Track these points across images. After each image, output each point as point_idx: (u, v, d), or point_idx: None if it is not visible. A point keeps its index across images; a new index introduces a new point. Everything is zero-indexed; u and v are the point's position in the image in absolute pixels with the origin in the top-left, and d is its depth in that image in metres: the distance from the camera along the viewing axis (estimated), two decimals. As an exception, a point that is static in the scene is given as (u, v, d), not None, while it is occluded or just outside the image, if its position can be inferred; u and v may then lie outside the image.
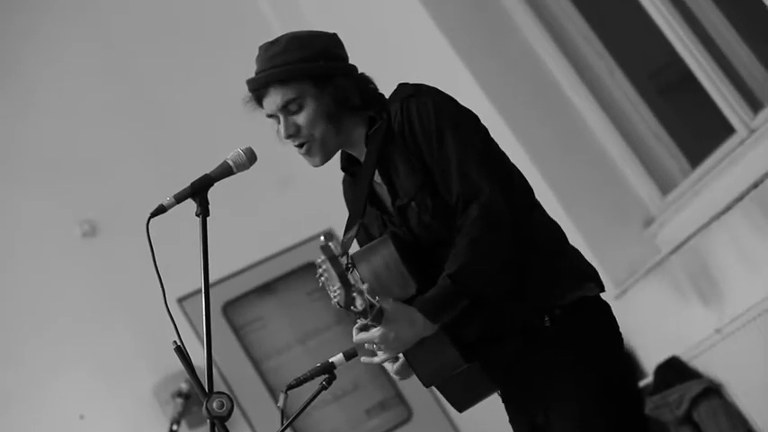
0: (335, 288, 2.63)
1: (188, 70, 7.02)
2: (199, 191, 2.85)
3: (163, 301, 2.88)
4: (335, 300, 2.67)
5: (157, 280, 2.90)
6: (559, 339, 2.83)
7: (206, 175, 2.88)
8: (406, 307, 2.76)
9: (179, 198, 2.85)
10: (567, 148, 5.79)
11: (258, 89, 2.94)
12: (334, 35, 3.01)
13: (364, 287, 2.67)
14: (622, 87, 5.78)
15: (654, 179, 5.69)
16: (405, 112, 2.88)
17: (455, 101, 2.93)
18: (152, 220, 2.85)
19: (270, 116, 2.96)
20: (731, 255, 5.07)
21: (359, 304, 2.65)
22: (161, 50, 7.03)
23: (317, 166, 2.99)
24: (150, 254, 2.86)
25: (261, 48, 2.96)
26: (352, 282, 2.61)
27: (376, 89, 3.01)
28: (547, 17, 5.90)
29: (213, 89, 6.89)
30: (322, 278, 2.70)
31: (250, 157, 2.92)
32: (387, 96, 3.01)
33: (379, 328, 2.76)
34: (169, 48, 7.04)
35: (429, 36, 5.94)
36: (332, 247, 2.60)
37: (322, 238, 2.61)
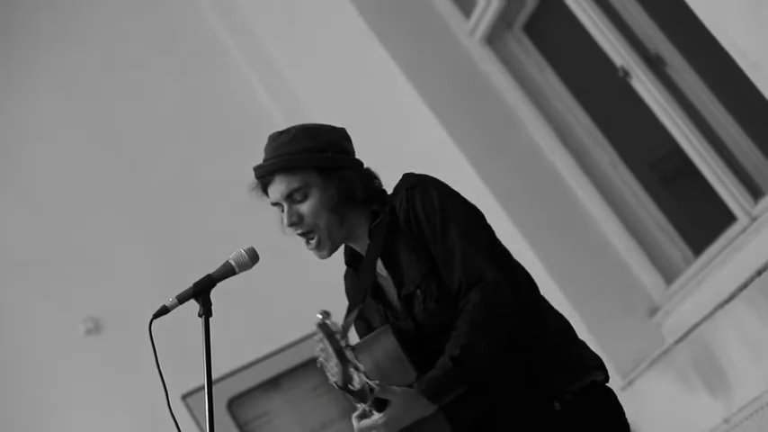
0: (332, 365, 2.64)
1: (191, 168, 7.06)
2: (201, 291, 2.86)
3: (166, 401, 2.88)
4: (333, 379, 2.66)
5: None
6: (570, 424, 2.83)
7: (208, 275, 2.89)
8: (406, 391, 2.76)
9: (181, 299, 2.86)
10: (570, 239, 5.80)
11: (264, 176, 2.96)
12: (343, 129, 3.03)
13: (362, 367, 2.66)
14: (623, 177, 5.80)
15: (657, 268, 5.69)
16: (410, 201, 2.90)
17: (459, 194, 2.96)
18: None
19: (274, 204, 2.97)
20: (737, 343, 5.04)
21: (356, 383, 2.65)
22: (165, 150, 7.08)
23: (323, 258, 2.99)
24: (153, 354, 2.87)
25: (270, 137, 2.99)
26: (349, 358, 2.61)
27: (380, 184, 3.03)
28: (548, 110, 5.95)
29: (216, 187, 6.94)
30: (320, 358, 2.70)
31: (252, 257, 2.93)
32: (391, 190, 3.03)
33: (381, 415, 2.75)
34: (174, 147, 7.09)
35: (431, 130, 5.99)
36: (329, 323, 2.61)
37: (318, 315, 2.61)
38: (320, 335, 2.64)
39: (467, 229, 2.87)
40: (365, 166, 3.03)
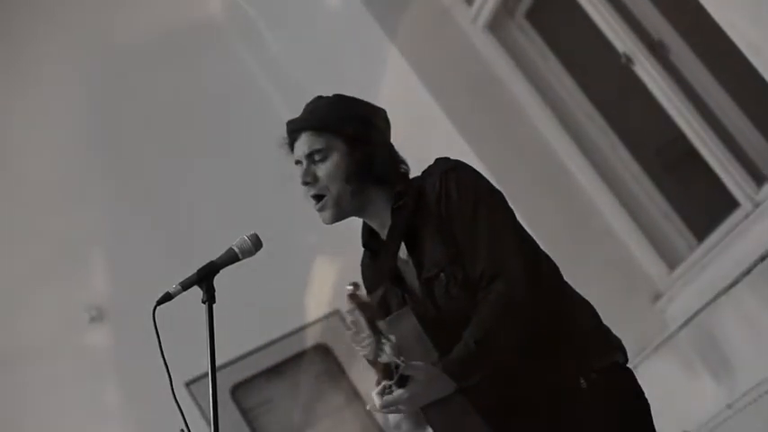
0: (364, 336, 2.64)
1: (193, 155, 7.06)
2: (204, 278, 2.85)
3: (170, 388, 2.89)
4: (363, 352, 2.67)
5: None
6: (595, 401, 2.87)
7: (211, 262, 2.88)
8: (429, 367, 2.77)
9: (185, 285, 2.85)
10: (574, 225, 5.80)
11: (293, 131, 2.99)
12: (382, 110, 3.06)
13: (393, 338, 2.67)
14: (626, 164, 5.80)
15: (660, 254, 5.69)
16: (444, 183, 2.91)
17: (490, 183, 2.97)
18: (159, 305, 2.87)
19: (297, 162, 3.00)
20: (740, 328, 5.05)
21: (387, 355, 2.65)
22: (169, 141, 7.08)
23: (326, 223, 3.00)
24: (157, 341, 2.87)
25: (313, 98, 3.04)
26: (381, 329, 2.62)
27: (406, 170, 3.04)
28: (550, 96, 5.94)
29: (219, 175, 6.94)
30: (350, 331, 2.70)
31: (255, 244, 2.92)
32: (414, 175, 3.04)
33: (404, 390, 2.76)
34: (177, 138, 7.09)
35: (433, 116, 5.99)
36: (360, 295, 2.62)
37: (349, 286, 2.62)
38: (351, 306, 2.64)
39: (497, 218, 2.89)
40: (396, 150, 3.04)
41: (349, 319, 2.68)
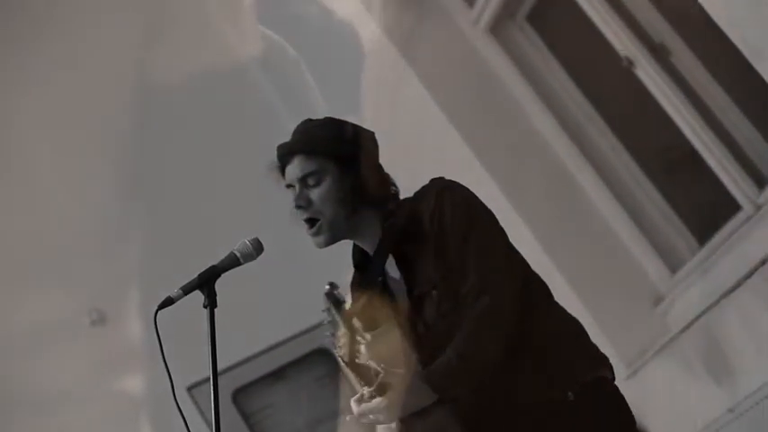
0: (340, 335, 2.66)
1: (195, 159, 7.06)
2: (206, 282, 2.86)
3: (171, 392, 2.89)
4: (341, 353, 2.68)
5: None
6: (581, 413, 2.89)
7: (213, 266, 2.89)
8: (409, 376, 2.78)
9: (186, 290, 2.86)
10: (575, 229, 5.80)
11: (285, 155, 3.00)
12: (372, 133, 3.07)
13: (368, 337, 2.68)
14: (628, 167, 5.80)
15: (662, 257, 5.69)
16: (438, 202, 2.94)
17: (481, 201, 3.01)
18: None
19: (288, 186, 3.00)
20: (742, 332, 5.05)
21: (363, 356, 2.66)
22: (169, 141, 7.08)
23: (320, 247, 3.01)
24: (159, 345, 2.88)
25: (302, 121, 3.04)
26: (356, 326, 2.63)
27: (396, 191, 3.06)
28: (551, 99, 5.94)
29: (220, 180, 6.94)
30: (327, 333, 2.72)
31: (257, 248, 2.94)
32: (407, 194, 3.06)
33: (382, 399, 2.76)
34: (178, 138, 7.09)
35: (434, 119, 5.99)
36: (336, 294, 2.63)
37: (327, 286, 2.63)
38: (327, 304, 2.65)
39: (488, 237, 2.93)
40: (385, 171, 3.06)
41: (327, 318, 2.70)
